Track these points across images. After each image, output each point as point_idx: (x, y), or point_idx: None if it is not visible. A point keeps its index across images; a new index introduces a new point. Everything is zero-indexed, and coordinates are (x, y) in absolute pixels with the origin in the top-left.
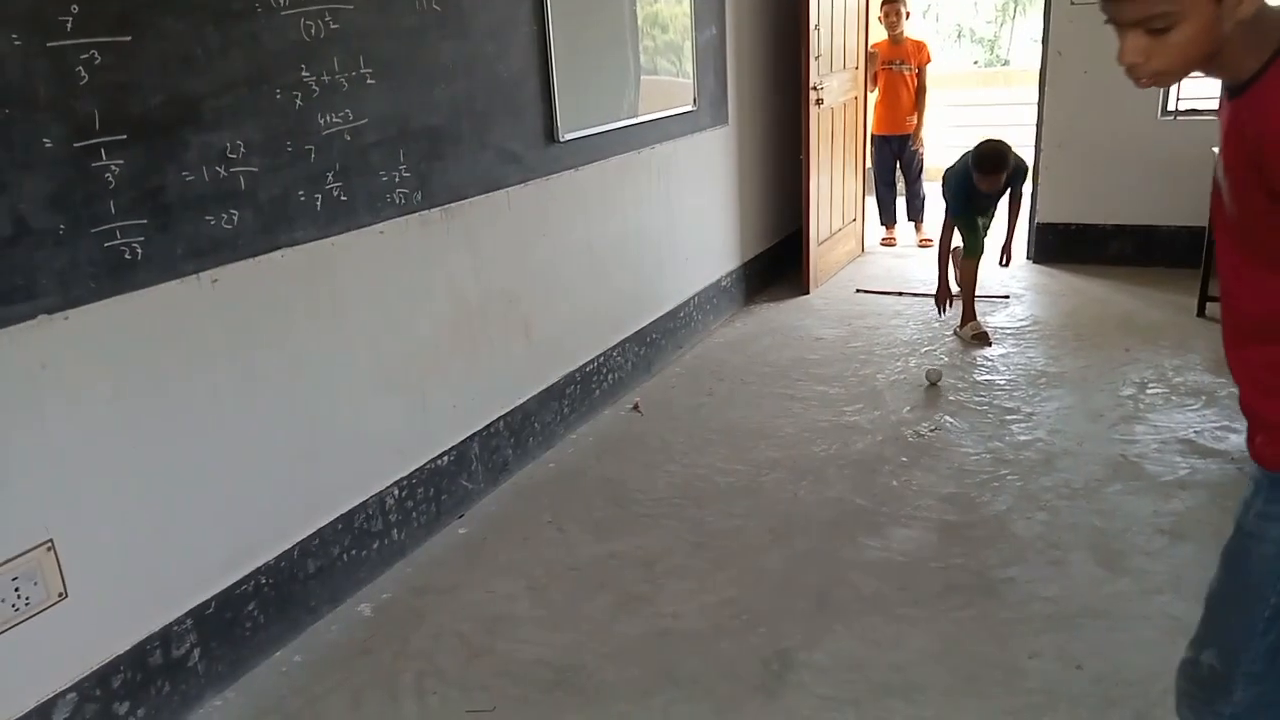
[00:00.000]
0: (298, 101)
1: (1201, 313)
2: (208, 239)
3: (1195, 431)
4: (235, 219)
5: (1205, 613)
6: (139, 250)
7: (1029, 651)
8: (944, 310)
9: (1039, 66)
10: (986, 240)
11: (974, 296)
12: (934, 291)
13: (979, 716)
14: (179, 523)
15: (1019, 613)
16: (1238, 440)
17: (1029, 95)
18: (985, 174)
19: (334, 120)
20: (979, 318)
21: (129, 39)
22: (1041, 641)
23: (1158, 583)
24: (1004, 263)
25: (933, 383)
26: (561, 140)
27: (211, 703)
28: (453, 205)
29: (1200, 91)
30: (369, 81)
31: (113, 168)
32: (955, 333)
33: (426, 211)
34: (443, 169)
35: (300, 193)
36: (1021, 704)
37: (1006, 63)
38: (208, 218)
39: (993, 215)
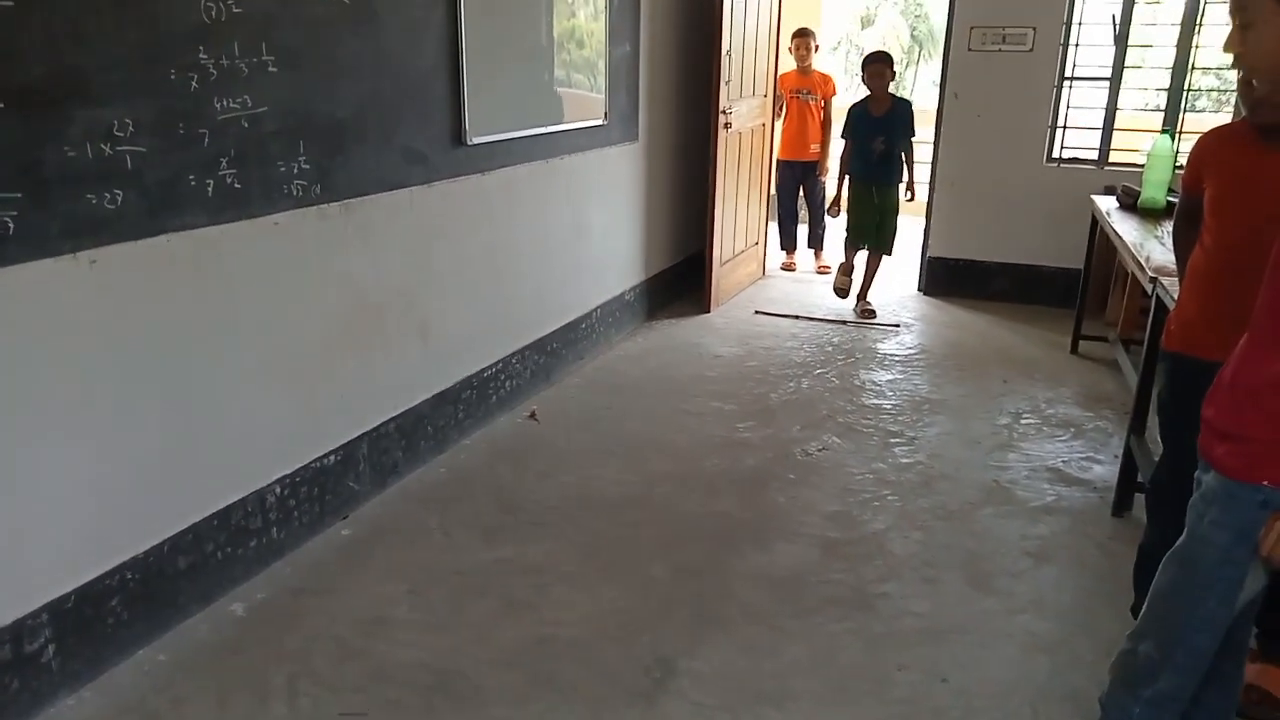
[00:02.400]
0: (193, 84)
1: (1075, 350)
2: (88, 218)
3: (1063, 461)
4: (119, 199)
5: (1148, 608)
6: (10, 225)
7: (898, 664)
8: (844, 291)
9: (936, 108)
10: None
11: (867, 281)
12: (833, 283)
13: None
14: (37, 512)
15: (891, 627)
16: (1100, 471)
17: (925, 135)
18: (869, 65)
19: (231, 106)
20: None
21: (11, 4)
22: (911, 655)
23: (1021, 602)
24: (910, 198)
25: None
26: (469, 144)
27: (64, 701)
28: (353, 201)
29: (1081, 142)
30: (270, 69)
31: None
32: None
33: (325, 205)
34: (344, 163)
35: (191, 177)
36: (889, 713)
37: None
38: (89, 196)
39: (887, 204)
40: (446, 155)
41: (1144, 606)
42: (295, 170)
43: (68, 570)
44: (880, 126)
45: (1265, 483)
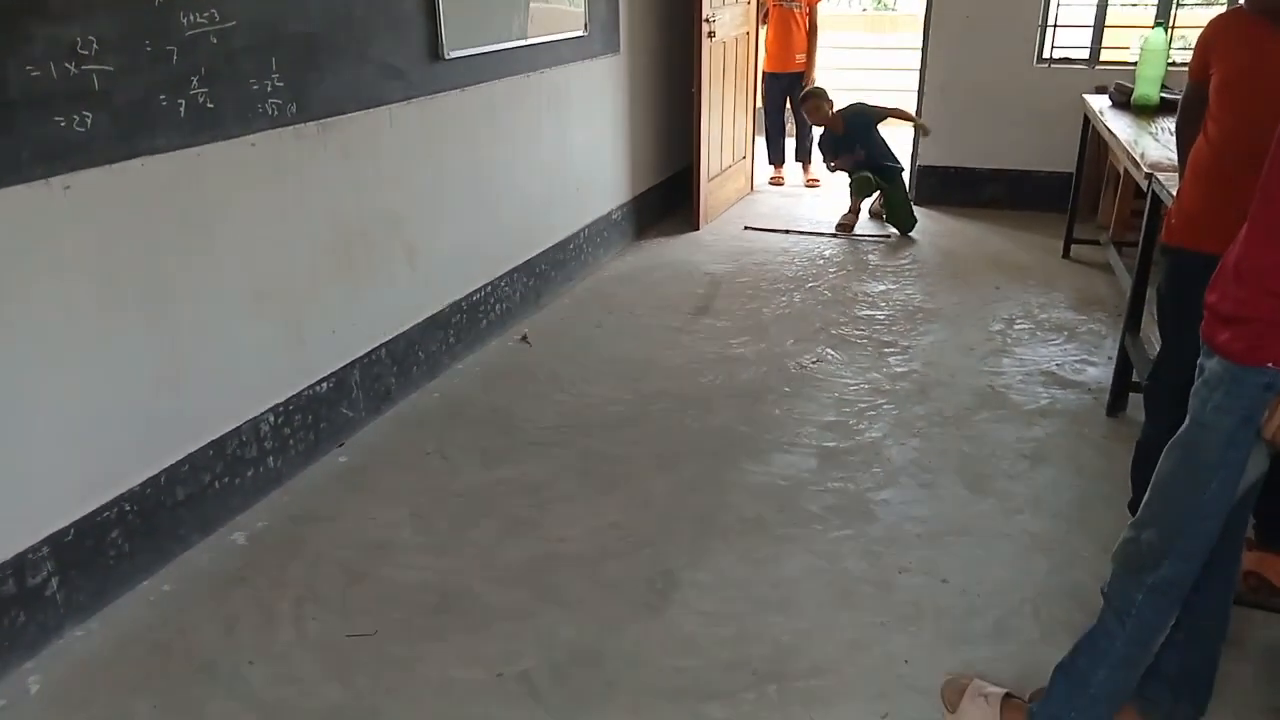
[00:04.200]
0: None
1: (1067, 254)
2: (58, 141)
3: (1057, 364)
4: (89, 122)
5: (1149, 496)
6: None
7: (899, 567)
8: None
9: (924, 12)
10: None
11: (856, 201)
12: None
13: (852, 627)
14: (33, 447)
15: (891, 532)
16: (1095, 373)
17: (913, 40)
18: (803, 104)
19: (198, 20)
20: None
21: None
22: (911, 558)
23: (1018, 503)
24: (926, 133)
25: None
26: (447, 58)
27: (72, 633)
28: (330, 120)
29: (1072, 41)
30: None
31: None
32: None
33: (302, 125)
34: (319, 80)
35: (161, 97)
36: (892, 615)
37: (893, 9)
38: (57, 118)
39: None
40: (424, 71)
41: (1146, 495)
42: (269, 88)
43: (65, 503)
44: (849, 142)
45: (1269, 364)
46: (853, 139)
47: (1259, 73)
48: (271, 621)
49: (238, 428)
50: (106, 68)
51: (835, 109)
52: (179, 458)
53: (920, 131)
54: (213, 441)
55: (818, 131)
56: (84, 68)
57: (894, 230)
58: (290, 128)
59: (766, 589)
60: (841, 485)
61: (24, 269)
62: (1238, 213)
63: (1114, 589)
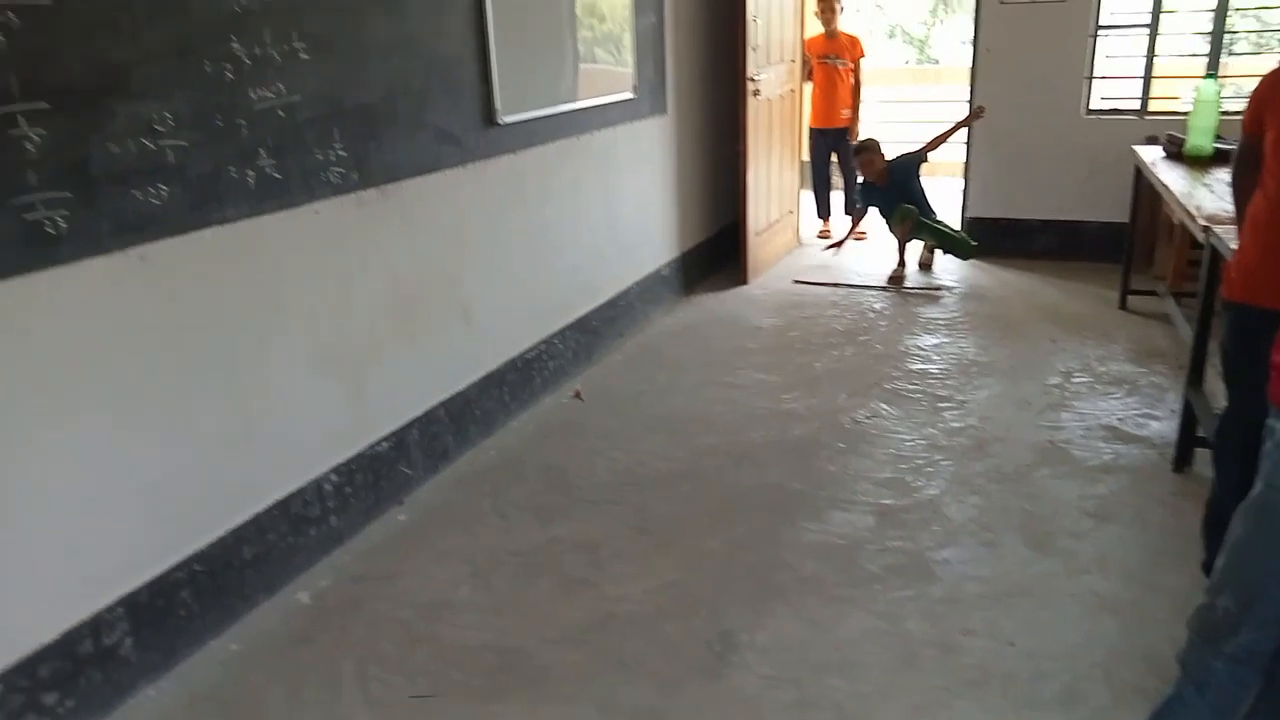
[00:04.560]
0: (228, 74)
1: (1123, 305)
2: (135, 214)
3: (1118, 419)
4: (164, 194)
5: (1224, 561)
6: (62, 224)
7: (962, 629)
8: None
9: (970, 64)
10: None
11: (901, 251)
12: (888, 275)
13: (916, 692)
14: (108, 508)
15: (953, 592)
16: (1159, 427)
17: (958, 93)
18: (859, 156)
19: (266, 95)
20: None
21: (49, 3)
22: (975, 619)
23: (1084, 563)
24: (980, 114)
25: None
26: (501, 123)
27: (145, 692)
28: (389, 186)
29: (1120, 92)
30: (302, 56)
31: (33, 137)
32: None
33: (363, 192)
34: (379, 149)
35: (232, 169)
36: (956, 679)
37: (937, 62)
38: (135, 192)
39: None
40: (479, 136)
41: (1220, 559)
42: (332, 157)
43: (139, 564)
44: (891, 194)
45: None
46: (894, 192)
47: None
48: (336, 682)
49: (301, 488)
50: (181, 142)
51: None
52: (246, 518)
53: (975, 113)
54: (277, 501)
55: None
56: (160, 143)
57: (943, 284)
58: (352, 194)
59: (827, 651)
60: (900, 544)
61: (102, 336)
62: None
63: (1190, 657)
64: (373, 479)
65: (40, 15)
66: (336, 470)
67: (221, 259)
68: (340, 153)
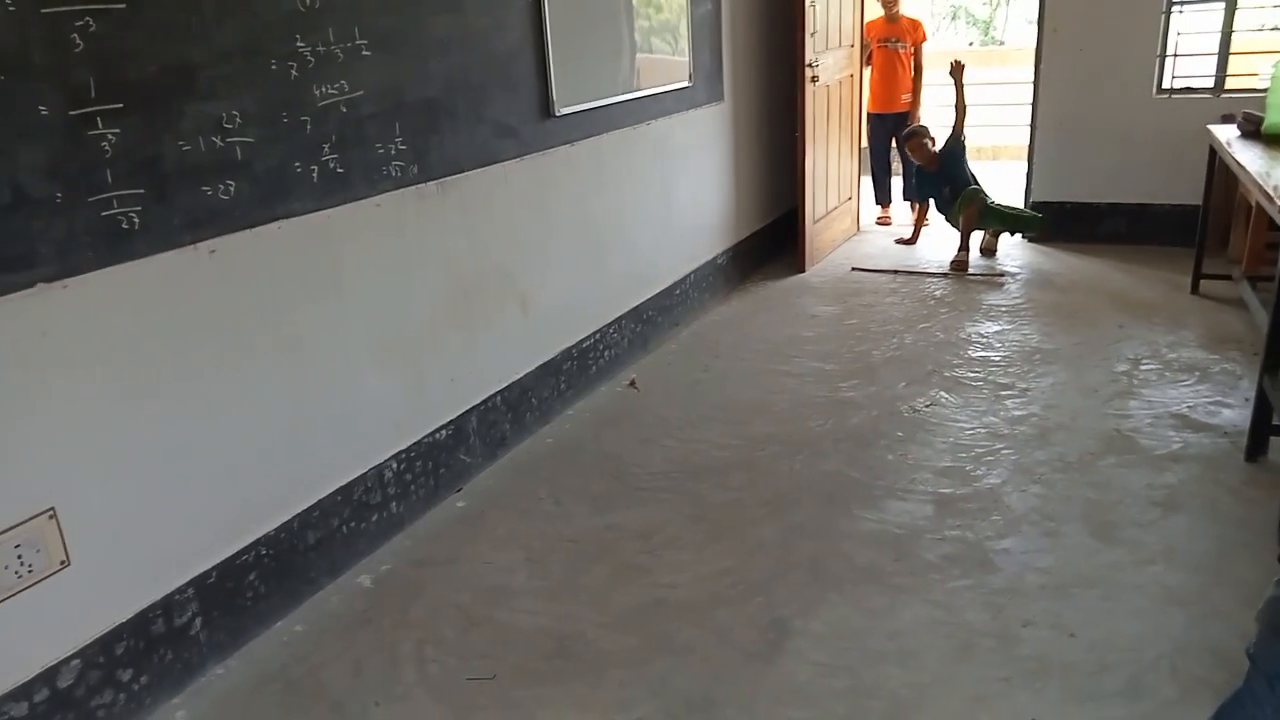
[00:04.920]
0: (293, 72)
1: (1195, 290)
2: (205, 209)
3: (1189, 406)
4: (232, 189)
5: None
6: (136, 220)
7: (1023, 620)
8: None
9: (1035, 45)
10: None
11: (965, 237)
12: (951, 261)
13: (973, 682)
14: (179, 493)
15: (1013, 583)
16: (1230, 415)
17: (1023, 74)
18: (907, 143)
19: (330, 91)
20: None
21: (123, 6)
22: (1035, 610)
23: (1151, 553)
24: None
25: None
26: (557, 115)
27: (214, 671)
28: (449, 179)
29: (1194, 70)
30: (364, 53)
31: (109, 136)
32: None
33: (423, 185)
34: (439, 142)
35: (297, 164)
36: (1015, 670)
37: (1002, 43)
38: (204, 188)
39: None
40: (536, 128)
41: None
42: (393, 151)
43: (209, 546)
44: (940, 179)
45: None
46: (944, 177)
47: None
48: (395, 663)
49: (363, 474)
50: (248, 139)
51: (936, 147)
52: (310, 503)
53: (956, 67)
54: (340, 488)
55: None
56: (228, 140)
57: (1006, 270)
58: (412, 188)
59: (882, 640)
60: (959, 534)
61: (173, 327)
62: None
63: (1261, 651)
64: (432, 466)
65: (114, 18)
66: (397, 457)
67: (287, 252)
68: (401, 147)
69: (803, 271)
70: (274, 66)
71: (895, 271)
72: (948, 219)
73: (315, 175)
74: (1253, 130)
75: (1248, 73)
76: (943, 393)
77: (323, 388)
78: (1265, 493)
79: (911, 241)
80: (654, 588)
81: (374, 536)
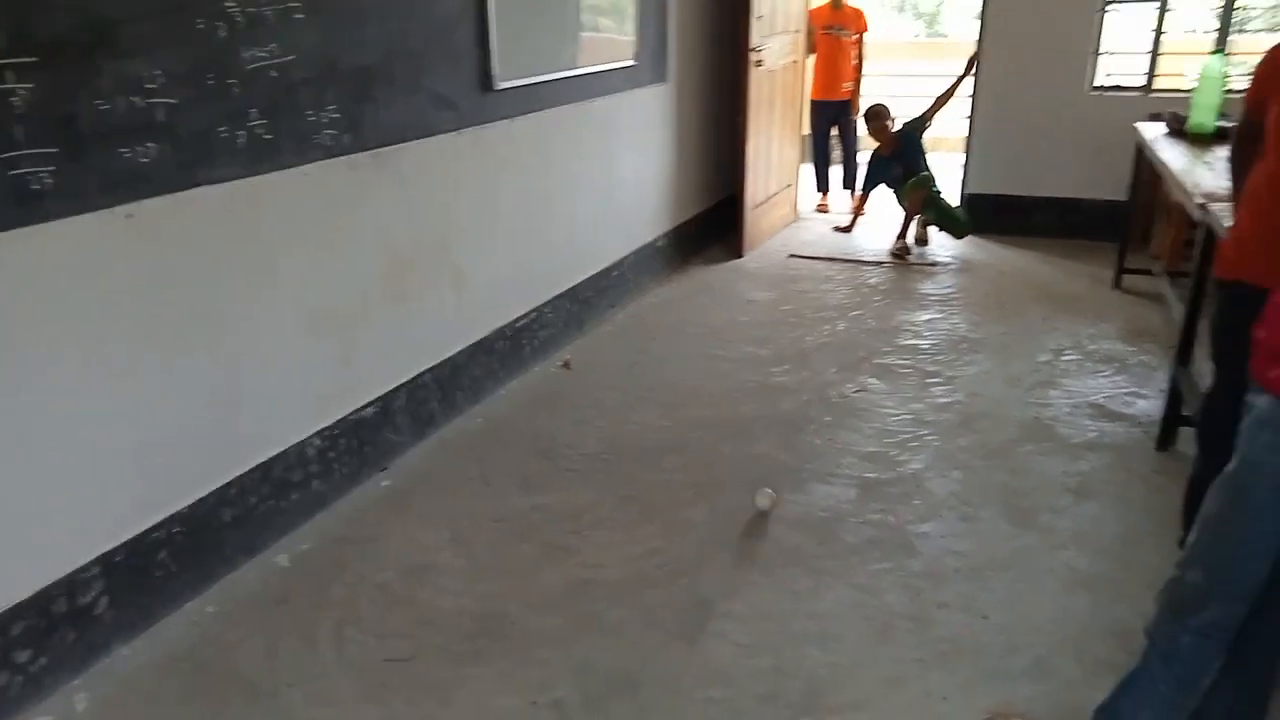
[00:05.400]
0: (220, 32)
1: (1118, 284)
2: (123, 171)
3: (1106, 397)
4: (152, 152)
5: (1196, 535)
6: (48, 180)
7: (938, 602)
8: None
9: (976, 39)
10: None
11: (906, 223)
12: (891, 249)
13: (889, 663)
14: (85, 467)
15: (931, 566)
16: (1144, 406)
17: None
18: (869, 123)
19: (259, 54)
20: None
21: None
22: (951, 593)
23: (1062, 538)
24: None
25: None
26: (498, 89)
27: (119, 651)
28: (383, 150)
29: (1126, 69)
30: (297, 16)
31: (20, 92)
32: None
33: (356, 155)
34: (373, 112)
35: (222, 129)
36: (930, 652)
37: (945, 36)
38: (123, 150)
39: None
40: (475, 101)
41: (1193, 534)
42: (325, 120)
43: (117, 524)
44: (893, 161)
45: None
46: (899, 160)
47: None
48: (312, 643)
49: (284, 450)
50: (171, 100)
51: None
52: (228, 479)
53: (972, 61)
54: (260, 464)
55: (864, 157)
56: (150, 100)
57: (939, 260)
58: (345, 158)
59: (804, 621)
60: (882, 517)
61: (87, 294)
62: None
63: (1158, 630)
64: (357, 444)
65: None
66: (321, 434)
67: (210, 219)
68: (333, 115)
69: (741, 257)
70: (200, 25)
71: (832, 259)
72: (898, 197)
73: (242, 141)
74: (1178, 129)
75: (1175, 73)
76: (872, 379)
77: (246, 361)
78: (1173, 481)
79: (849, 230)
80: (581, 568)
81: (294, 515)
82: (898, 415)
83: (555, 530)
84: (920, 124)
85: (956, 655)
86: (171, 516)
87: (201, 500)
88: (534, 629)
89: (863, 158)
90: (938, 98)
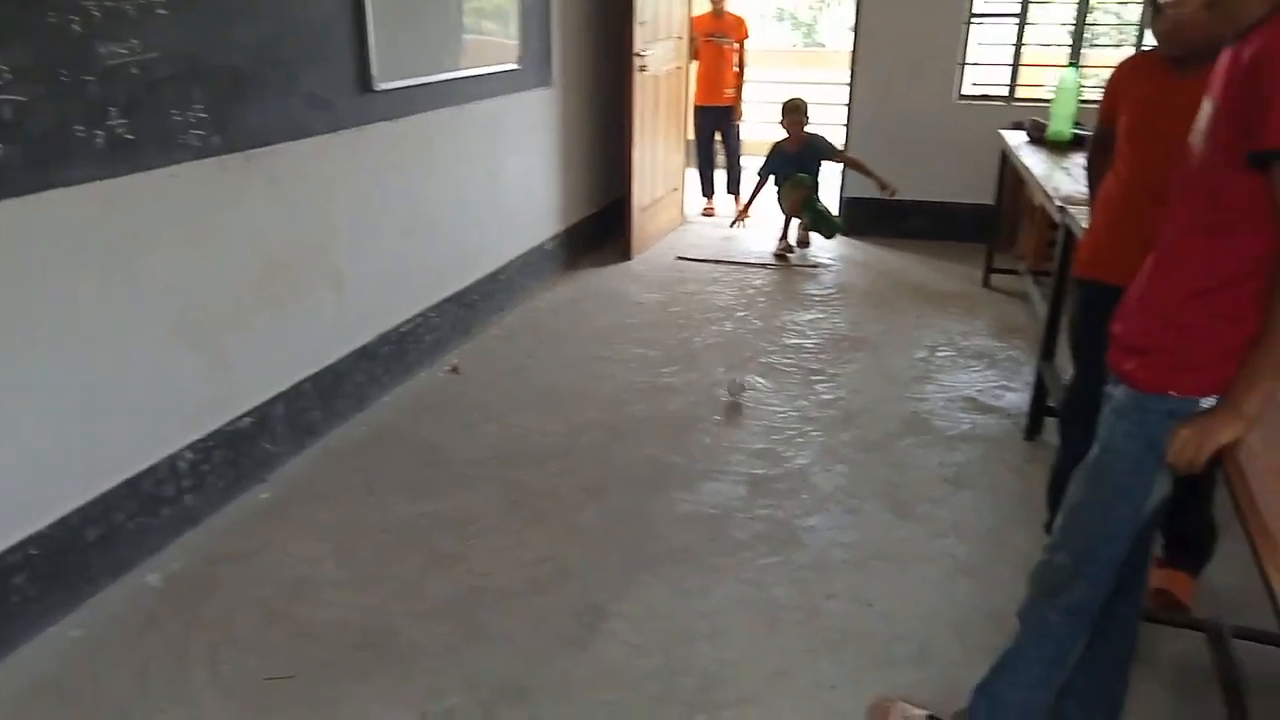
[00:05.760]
0: (75, 26)
1: (987, 284)
2: None
3: (978, 390)
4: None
5: (1061, 520)
6: None
7: (826, 593)
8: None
9: (851, 49)
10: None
11: (786, 224)
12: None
13: (779, 655)
14: None
15: (818, 558)
16: (1013, 398)
17: (842, 76)
18: (788, 115)
19: (118, 51)
20: (787, 240)
21: None
22: (838, 584)
23: (942, 527)
24: (891, 193)
25: (733, 395)
26: (377, 89)
27: None
28: (256, 151)
29: (988, 79)
30: (159, 11)
31: None
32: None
33: (226, 156)
34: (244, 112)
35: (78, 128)
36: (818, 641)
37: (823, 45)
38: None
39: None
40: (353, 102)
41: (1058, 519)
42: (192, 119)
43: None
44: (796, 161)
45: (1172, 393)
46: (800, 160)
47: (1162, 115)
48: (185, 666)
49: (154, 465)
50: (19, 97)
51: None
52: (91, 497)
53: (885, 191)
54: (127, 480)
55: (747, 159)
56: None
57: (821, 261)
58: (214, 159)
59: (695, 619)
60: (770, 513)
61: None
62: (1143, 247)
63: (1028, 611)
64: (233, 456)
65: None
66: (193, 447)
67: (68, 222)
68: (200, 115)
69: (630, 259)
70: (52, 19)
71: (719, 261)
72: (779, 198)
73: (101, 141)
74: (1038, 136)
75: (1036, 84)
76: (758, 378)
77: (110, 372)
78: (1041, 469)
79: (739, 222)
80: (469, 575)
81: (165, 532)
82: (783, 413)
83: (442, 538)
84: (829, 150)
85: (844, 644)
86: (29, 538)
87: (62, 519)
88: (422, 639)
89: (747, 161)
90: (851, 159)
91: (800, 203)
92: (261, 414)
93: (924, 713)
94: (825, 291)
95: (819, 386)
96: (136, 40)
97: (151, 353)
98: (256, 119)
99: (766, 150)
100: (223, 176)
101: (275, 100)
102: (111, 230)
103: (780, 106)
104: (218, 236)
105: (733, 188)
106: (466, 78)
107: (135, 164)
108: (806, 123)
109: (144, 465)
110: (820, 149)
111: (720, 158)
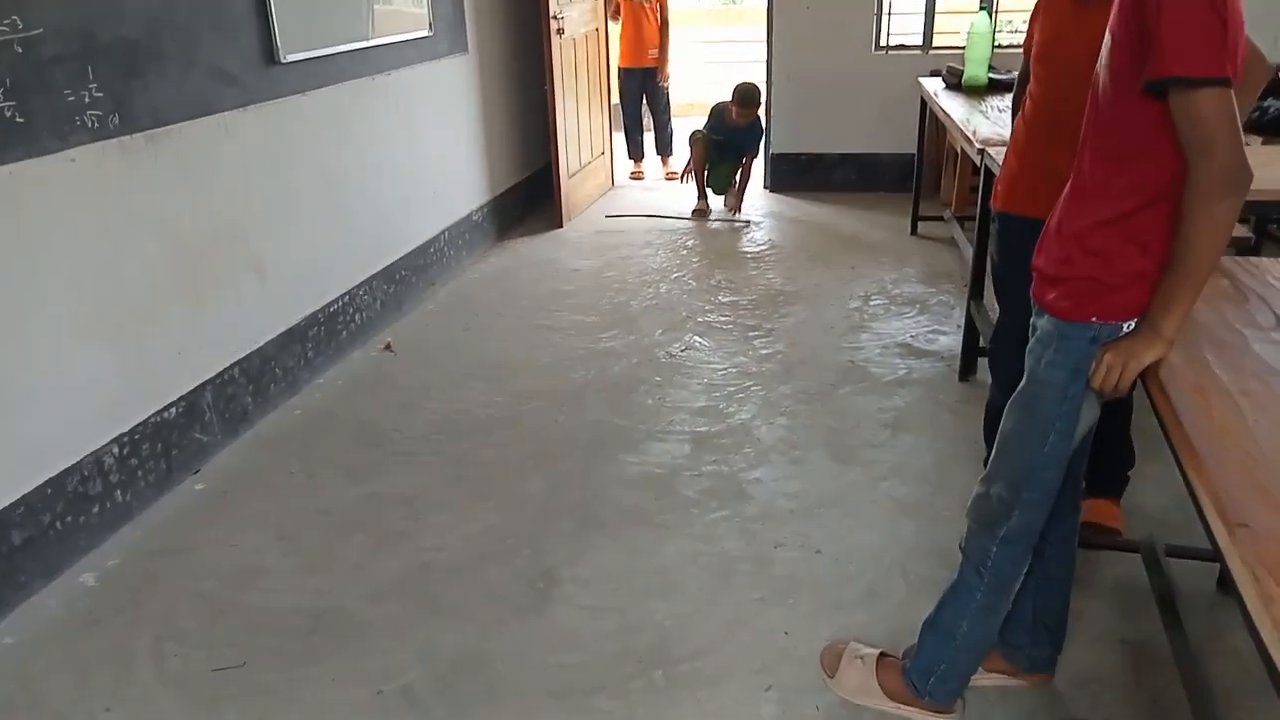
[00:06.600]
0: None
1: (914, 231)
2: None
3: (911, 336)
4: None
5: (996, 453)
6: None
7: (774, 543)
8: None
9: (765, 4)
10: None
11: (700, 183)
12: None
13: (732, 606)
14: None
15: (765, 509)
16: (946, 341)
17: (759, 33)
18: (743, 107)
19: None
20: (705, 201)
21: None
22: (785, 533)
23: (883, 471)
24: (736, 208)
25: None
26: (284, 61)
27: None
28: (158, 131)
29: (907, 28)
30: None
31: None
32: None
33: (127, 137)
34: (143, 89)
35: None
36: (770, 590)
37: (736, 2)
38: None
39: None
40: (260, 75)
41: (993, 451)
42: (87, 99)
43: None
44: (736, 134)
45: (1094, 319)
46: (739, 136)
47: (1065, 41)
48: (128, 664)
49: (78, 462)
50: None
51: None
52: (13, 499)
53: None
54: (50, 479)
55: (680, 121)
56: None
57: (751, 219)
58: (114, 140)
59: (648, 577)
60: (715, 468)
61: None
62: (1055, 175)
63: (970, 544)
64: (162, 448)
65: None
66: (119, 441)
67: None
68: (96, 94)
69: (561, 227)
70: None
71: (649, 216)
72: (710, 175)
73: None
74: (955, 82)
75: (952, 30)
76: (697, 337)
77: (19, 369)
78: (976, 408)
79: (682, 176)
80: (418, 552)
81: (97, 530)
82: (723, 369)
83: (388, 517)
84: (758, 145)
85: (794, 591)
86: None
87: None
88: (373, 619)
89: (677, 123)
90: (746, 173)
91: (703, 154)
92: (189, 403)
93: (876, 651)
94: (757, 248)
95: (757, 342)
96: (16, 16)
97: (59, 346)
98: (157, 95)
99: (695, 111)
100: (126, 159)
101: (176, 75)
102: (6, 219)
103: (733, 91)
104: (125, 223)
105: (661, 149)
106: (377, 47)
107: (29, 148)
108: (758, 105)
109: (68, 463)
110: (758, 135)
111: (648, 119)
